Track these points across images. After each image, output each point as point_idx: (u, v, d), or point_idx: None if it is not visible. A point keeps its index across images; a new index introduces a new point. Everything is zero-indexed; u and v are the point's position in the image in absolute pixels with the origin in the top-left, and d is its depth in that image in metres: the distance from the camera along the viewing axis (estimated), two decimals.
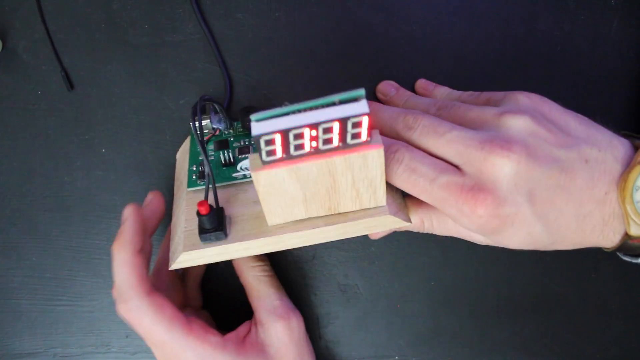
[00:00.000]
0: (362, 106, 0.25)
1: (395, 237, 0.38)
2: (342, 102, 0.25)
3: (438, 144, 0.30)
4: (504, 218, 0.28)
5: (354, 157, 0.27)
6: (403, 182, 0.30)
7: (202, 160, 0.34)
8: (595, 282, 0.38)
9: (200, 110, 0.31)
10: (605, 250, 0.31)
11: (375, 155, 0.27)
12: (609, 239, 0.29)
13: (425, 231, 0.34)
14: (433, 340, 0.38)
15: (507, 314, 0.38)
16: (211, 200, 0.30)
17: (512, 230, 0.29)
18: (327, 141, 0.26)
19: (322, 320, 0.38)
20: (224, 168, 0.34)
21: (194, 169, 0.34)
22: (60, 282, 0.38)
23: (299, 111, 0.25)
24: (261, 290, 0.35)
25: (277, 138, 0.25)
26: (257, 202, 0.31)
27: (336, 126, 0.25)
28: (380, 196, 0.29)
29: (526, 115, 0.29)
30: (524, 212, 0.28)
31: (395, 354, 0.38)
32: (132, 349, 0.38)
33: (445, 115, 0.32)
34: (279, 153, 0.26)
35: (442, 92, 0.36)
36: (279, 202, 0.28)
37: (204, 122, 0.35)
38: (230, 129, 0.36)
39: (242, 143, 0.35)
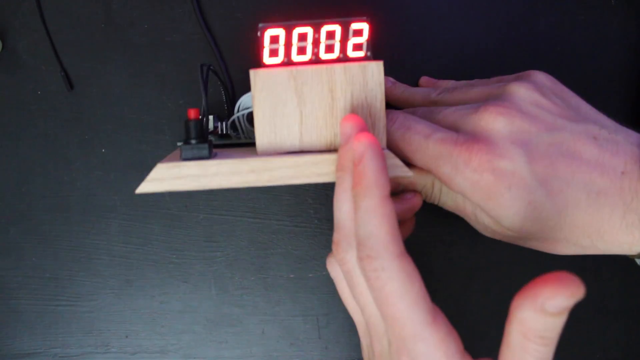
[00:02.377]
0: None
1: None
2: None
3: (434, 120, 0.29)
4: (499, 174, 0.26)
5: (353, 68, 0.26)
6: (398, 140, 0.29)
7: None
8: (595, 282, 0.38)
9: (206, 75, 0.29)
10: (630, 257, 0.28)
11: (374, 70, 0.26)
12: (635, 229, 0.26)
13: (432, 199, 0.32)
14: None
15: (507, 314, 0.38)
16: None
17: (509, 196, 0.26)
18: (329, 49, 0.26)
19: (322, 320, 0.38)
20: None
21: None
22: (60, 282, 0.38)
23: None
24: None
25: (282, 35, 0.26)
26: (246, 150, 0.29)
27: (338, 31, 0.26)
28: (381, 129, 0.28)
29: (531, 84, 0.28)
30: (522, 172, 0.26)
31: None
32: (131, 349, 0.38)
33: (447, 97, 0.32)
34: (281, 55, 0.26)
35: (446, 83, 0.36)
36: (273, 117, 0.27)
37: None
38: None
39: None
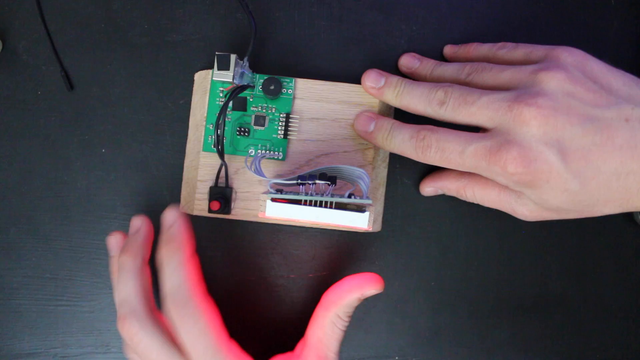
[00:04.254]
0: (363, 220, 0.30)
1: (395, 238, 0.38)
2: (352, 204, 0.31)
3: (470, 112, 0.30)
4: (536, 174, 0.28)
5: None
6: (437, 162, 0.31)
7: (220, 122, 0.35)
8: (595, 282, 0.38)
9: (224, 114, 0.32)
10: None
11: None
12: None
13: (469, 200, 0.35)
14: (433, 340, 0.38)
15: (507, 314, 0.38)
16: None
17: (548, 187, 0.29)
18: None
19: None
20: (239, 137, 0.36)
21: (211, 128, 0.36)
22: (60, 282, 0.38)
23: (309, 203, 0.31)
24: (329, 340, 0.33)
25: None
26: (261, 182, 0.35)
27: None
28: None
29: (562, 73, 0.29)
30: (557, 168, 0.28)
31: (395, 354, 0.38)
32: None
33: (476, 80, 0.32)
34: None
35: (470, 50, 0.36)
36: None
37: (225, 74, 0.34)
38: (251, 87, 0.36)
39: (260, 108, 0.36)
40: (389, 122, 0.34)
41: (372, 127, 0.34)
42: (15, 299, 0.38)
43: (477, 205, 0.36)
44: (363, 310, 0.38)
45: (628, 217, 0.38)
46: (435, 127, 0.32)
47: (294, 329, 0.38)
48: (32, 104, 0.38)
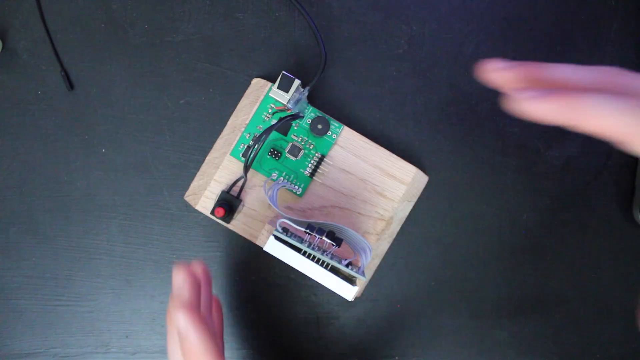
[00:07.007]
0: (350, 292, 0.31)
1: (395, 238, 0.38)
2: (345, 272, 0.31)
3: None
4: None
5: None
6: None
7: (256, 133, 0.36)
8: (595, 283, 0.38)
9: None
10: None
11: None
12: None
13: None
14: (433, 340, 0.38)
15: (507, 314, 0.38)
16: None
17: None
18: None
19: (322, 320, 0.38)
20: (269, 156, 0.36)
21: (247, 137, 0.36)
22: (60, 282, 0.38)
23: (309, 256, 0.31)
24: None
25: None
26: (271, 207, 0.35)
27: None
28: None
29: None
30: None
31: (395, 354, 0.38)
32: (131, 349, 0.38)
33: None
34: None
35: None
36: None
37: (282, 95, 0.34)
38: (301, 117, 0.36)
39: (299, 140, 0.36)
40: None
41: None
42: (15, 299, 0.38)
43: (477, 206, 0.36)
44: (363, 310, 0.38)
45: (628, 217, 0.38)
46: None
47: (294, 329, 0.38)
48: (32, 104, 0.38)
